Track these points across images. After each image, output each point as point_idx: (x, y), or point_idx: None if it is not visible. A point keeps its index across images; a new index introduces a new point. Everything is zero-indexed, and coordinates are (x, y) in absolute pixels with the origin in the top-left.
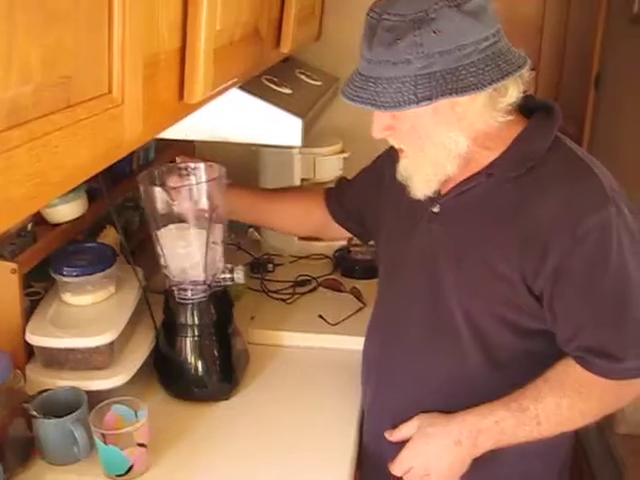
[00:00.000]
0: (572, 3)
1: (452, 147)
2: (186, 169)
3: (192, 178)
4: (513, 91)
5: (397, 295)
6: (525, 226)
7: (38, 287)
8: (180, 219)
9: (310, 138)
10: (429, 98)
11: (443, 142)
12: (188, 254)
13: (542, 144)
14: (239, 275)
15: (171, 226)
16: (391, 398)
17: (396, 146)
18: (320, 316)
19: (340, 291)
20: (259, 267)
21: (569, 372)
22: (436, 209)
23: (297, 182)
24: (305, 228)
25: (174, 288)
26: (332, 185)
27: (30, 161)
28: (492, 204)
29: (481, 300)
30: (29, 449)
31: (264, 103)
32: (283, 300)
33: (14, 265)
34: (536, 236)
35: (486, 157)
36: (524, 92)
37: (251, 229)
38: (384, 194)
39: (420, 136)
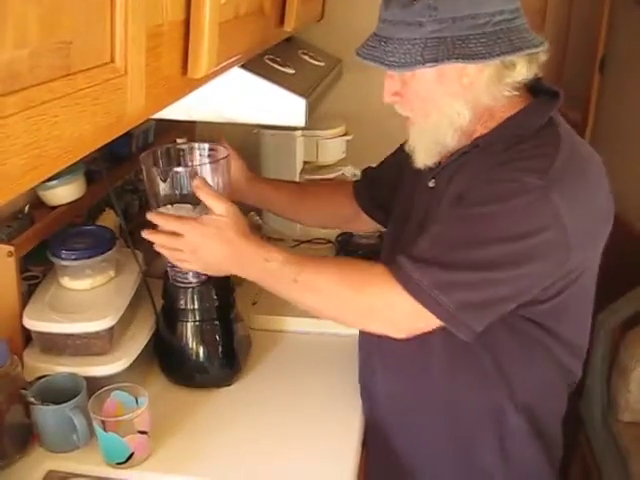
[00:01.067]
0: None
1: (455, 117)
2: (190, 150)
3: (196, 158)
4: (522, 68)
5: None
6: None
7: (36, 271)
8: (181, 200)
9: (313, 120)
10: (435, 60)
11: (447, 111)
12: None
13: (532, 123)
14: None
15: (169, 207)
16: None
17: (403, 113)
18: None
19: None
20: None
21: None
22: (432, 184)
23: (299, 165)
24: (336, 222)
25: (174, 271)
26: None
27: (27, 130)
28: (466, 175)
29: None
30: (27, 436)
31: (267, 83)
32: None
33: (10, 248)
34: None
35: (483, 132)
36: (536, 75)
37: (252, 213)
38: (402, 179)
39: (425, 103)
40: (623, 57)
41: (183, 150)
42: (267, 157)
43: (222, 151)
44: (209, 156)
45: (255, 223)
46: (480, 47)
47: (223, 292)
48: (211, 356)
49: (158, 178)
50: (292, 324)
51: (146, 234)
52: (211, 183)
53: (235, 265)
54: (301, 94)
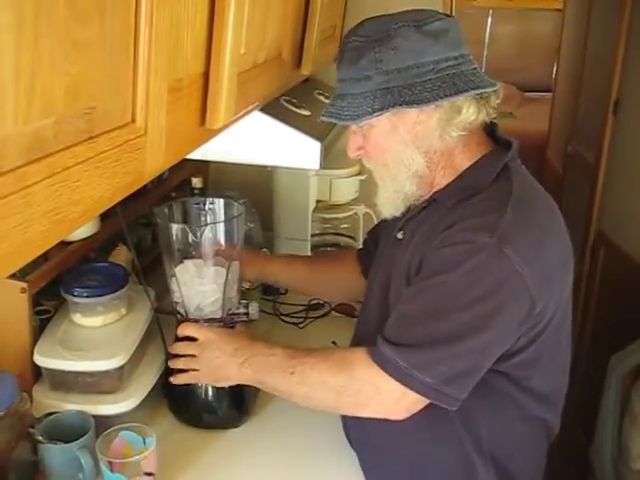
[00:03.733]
0: (591, 25)
1: (410, 164)
2: (204, 203)
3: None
4: (470, 110)
5: (360, 322)
6: (427, 242)
7: (48, 305)
8: (196, 255)
9: (327, 159)
10: (381, 109)
11: (402, 159)
12: (206, 292)
13: (485, 176)
14: (254, 311)
15: (188, 263)
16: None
17: (367, 166)
18: (334, 342)
19: (354, 316)
20: (272, 290)
21: (350, 350)
22: (400, 235)
23: (312, 204)
24: (347, 295)
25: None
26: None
27: (49, 197)
28: (425, 229)
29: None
30: (33, 474)
31: (283, 125)
32: (296, 324)
33: (24, 284)
34: (426, 249)
35: (442, 183)
36: (491, 118)
37: (264, 250)
38: (383, 237)
39: (383, 153)
40: (637, 99)
41: (198, 204)
42: (280, 195)
43: (236, 207)
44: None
45: None
46: (425, 92)
47: None
48: (220, 397)
49: (173, 233)
50: None
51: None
52: (224, 238)
53: (239, 361)
54: (316, 137)
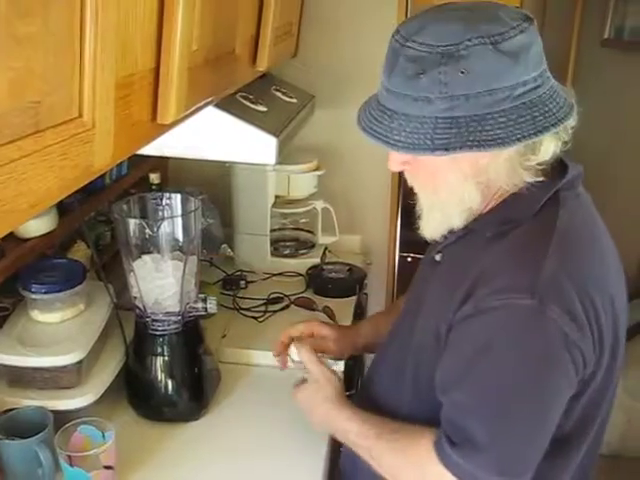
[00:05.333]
0: (546, 25)
1: (465, 199)
2: (161, 198)
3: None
4: (549, 147)
5: (390, 338)
6: (460, 285)
7: (6, 303)
8: (154, 249)
9: (285, 155)
10: (446, 148)
11: (457, 193)
12: (164, 285)
13: (528, 208)
14: (212, 305)
15: (146, 257)
16: None
17: (409, 183)
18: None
19: (313, 310)
20: (231, 284)
21: (417, 435)
22: (438, 257)
23: (271, 199)
24: None
25: (146, 320)
26: None
27: None
28: (460, 258)
29: (426, 366)
30: None
31: (238, 121)
32: (255, 318)
33: None
34: (459, 296)
35: (484, 211)
36: (565, 144)
37: (224, 245)
38: None
39: (435, 178)
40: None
41: (155, 199)
42: (239, 191)
43: (194, 201)
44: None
45: (227, 255)
46: (498, 130)
47: (193, 332)
48: (179, 390)
49: (131, 229)
50: (261, 357)
51: None
52: (181, 233)
53: (326, 425)
54: (272, 132)
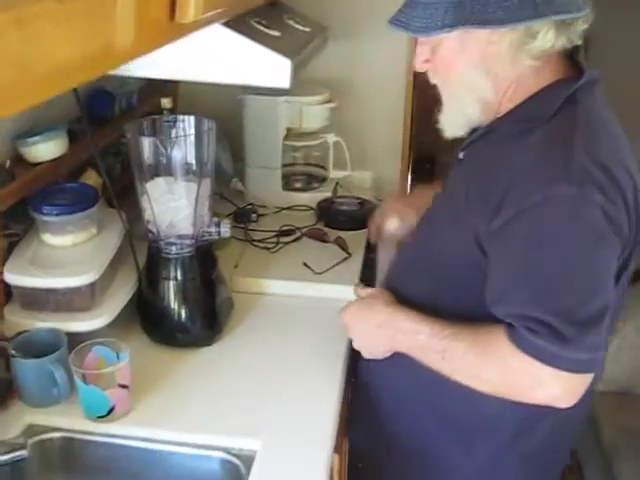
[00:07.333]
0: None
1: (475, 87)
2: (174, 121)
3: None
4: (548, 36)
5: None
6: (492, 183)
7: (17, 229)
8: (167, 172)
9: (297, 87)
10: (451, 25)
11: (468, 80)
12: (177, 207)
13: (547, 107)
14: (225, 229)
15: (159, 179)
16: None
17: (432, 81)
18: (305, 264)
19: (325, 241)
20: (243, 217)
21: (493, 332)
22: (462, 155)
23: (282, 131)
24: None
25: (160, 243)
26: None
27: (15, 45)
28: (484, 157)
29: (442, 246)
30: (7, 390)
31: (252, 43)
32: (267, 249)
33: None
34: (494, 195)
35: (506, 109)
36: (573, 43)
37: (235, 179)
38: None
39: (449, 69)
40: None
41: (168, 121)
42: (250, 123)
43: (207, 122)
44: (195, 128)
45: (237, 189)
46: (500, 12)
47: (206, 258)
48: (193, 316)
49: (144, 148)
50: (273, 286)
51: None
52: (194, 155)
53: (387, 336)
54: (286, 55)
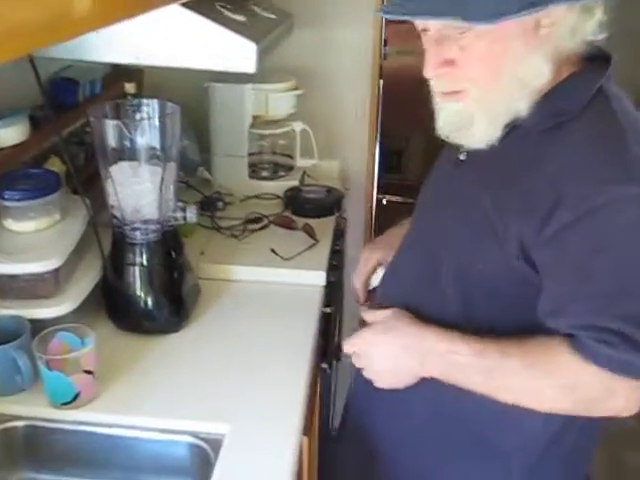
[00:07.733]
0: None
1: (532, 78)
2: (138, 105)
3: (145, 114)
4: (599, 15)
5: (406, 240)
6: (533, 186)
7: None
8: (131, 156)
9: (263, 74)
10: (535, 4)
11: (522, 71)
12: (142, 191)
13: (578, 100)
14: (191, 214)
15: (123, 163)
16: None
17: (450, 88)
18: (272, 250)
19: (292, 228)
20: (209, 205)
21: (549, 346)
22: (462, 156)
23: (249, 119)
24: None
25: (124, 228)
26: None
27: None
28: (511, 156)
29: (471, 258)
30: None
31: (217, 26)
32: (234, 236)
33: None
34: (541, 199)
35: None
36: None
37: (201, 168)
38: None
39: (493, 65)
40: None
41: (132, 105)
42: (216, 111)
43: (170, 106)
44: (159, 111)
45: (203, 177)
46: None
47: (172, 244)
48: (159, 302)
49: (108, 131)
50: (240, 273)
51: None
52: (159, 139)
53: (415, 360)
54: (252, 39)
